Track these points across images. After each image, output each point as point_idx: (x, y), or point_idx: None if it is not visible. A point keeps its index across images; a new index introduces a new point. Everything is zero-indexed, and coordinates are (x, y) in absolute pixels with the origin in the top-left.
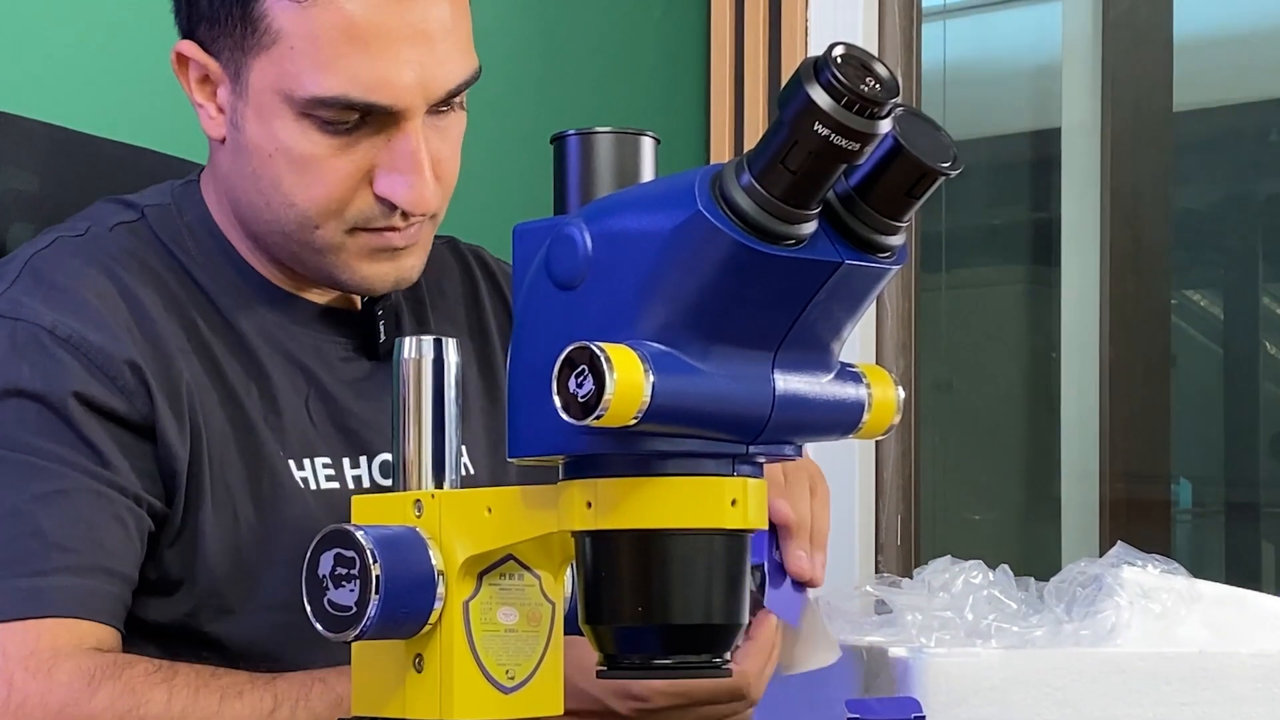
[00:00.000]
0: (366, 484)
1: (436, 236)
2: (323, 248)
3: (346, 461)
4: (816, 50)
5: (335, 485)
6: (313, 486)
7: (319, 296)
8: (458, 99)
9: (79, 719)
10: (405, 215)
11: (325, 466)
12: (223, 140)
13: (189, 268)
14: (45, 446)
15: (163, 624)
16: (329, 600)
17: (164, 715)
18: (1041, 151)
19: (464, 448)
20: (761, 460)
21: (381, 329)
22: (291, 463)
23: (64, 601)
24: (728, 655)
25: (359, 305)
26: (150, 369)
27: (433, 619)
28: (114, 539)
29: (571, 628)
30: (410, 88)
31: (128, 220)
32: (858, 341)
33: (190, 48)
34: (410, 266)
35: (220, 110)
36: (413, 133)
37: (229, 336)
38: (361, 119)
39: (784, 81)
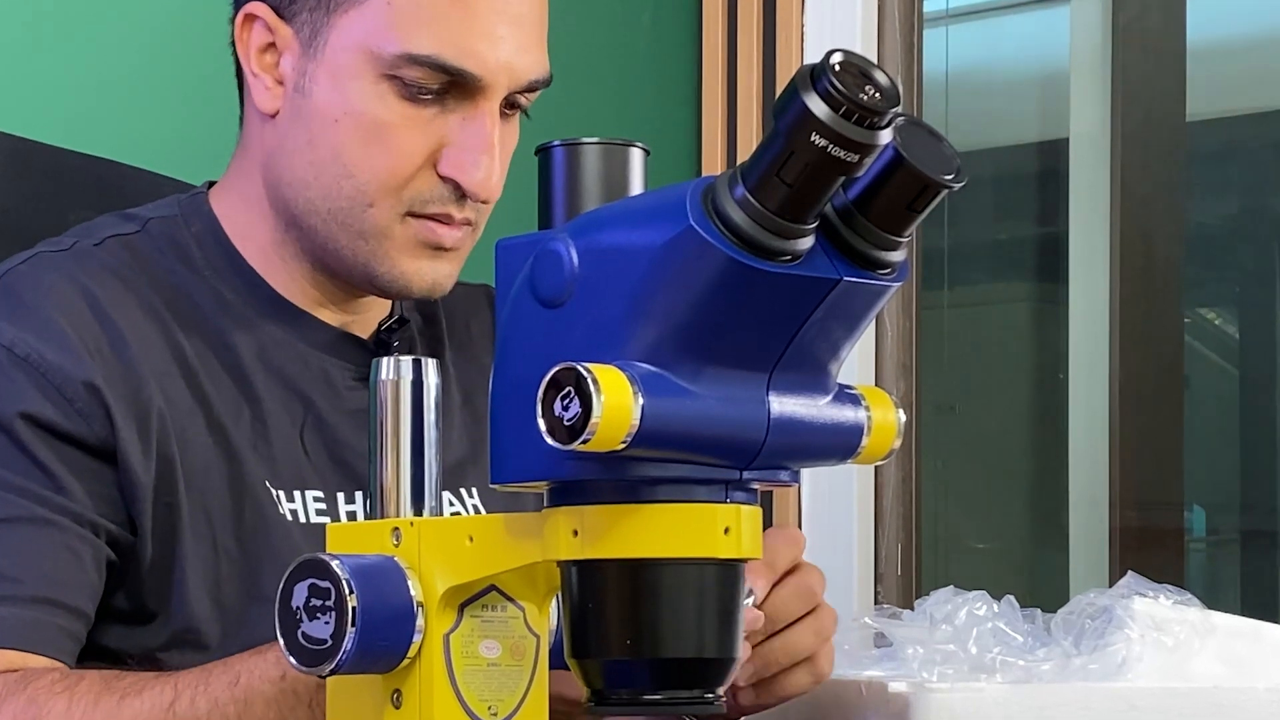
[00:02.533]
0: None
1: (475, 283)
2: (369, 231)
3: (341, 496)
4: (813, 57)
5: (327, 520)
6: (302, 520)
7: (333, 317)
8: (527, 99)
9: None
10: (462, 202)
11: (317, 500)
12: (273, 115)
13: (187, 285)
14: None
15: (129, 654)
16: (303, 633)
17: None
18: (1048, 163)
19: (474, 489)
20: (756, 487)
21: None
22: (281, 494)
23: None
24: (720, 691)
25: (374, 330)
26: (113, 392)
27: (411, 652)
28: (62, 569)
29: (557, 662)
30: (501, 65)
31: (125, 233)
32: (856, 362)
33: (262, 9)
34: (448, 274)
35: (279, 82)
36: (489, 114)
37: (222, 358)
38: (443, 90)
39: (779, 90)
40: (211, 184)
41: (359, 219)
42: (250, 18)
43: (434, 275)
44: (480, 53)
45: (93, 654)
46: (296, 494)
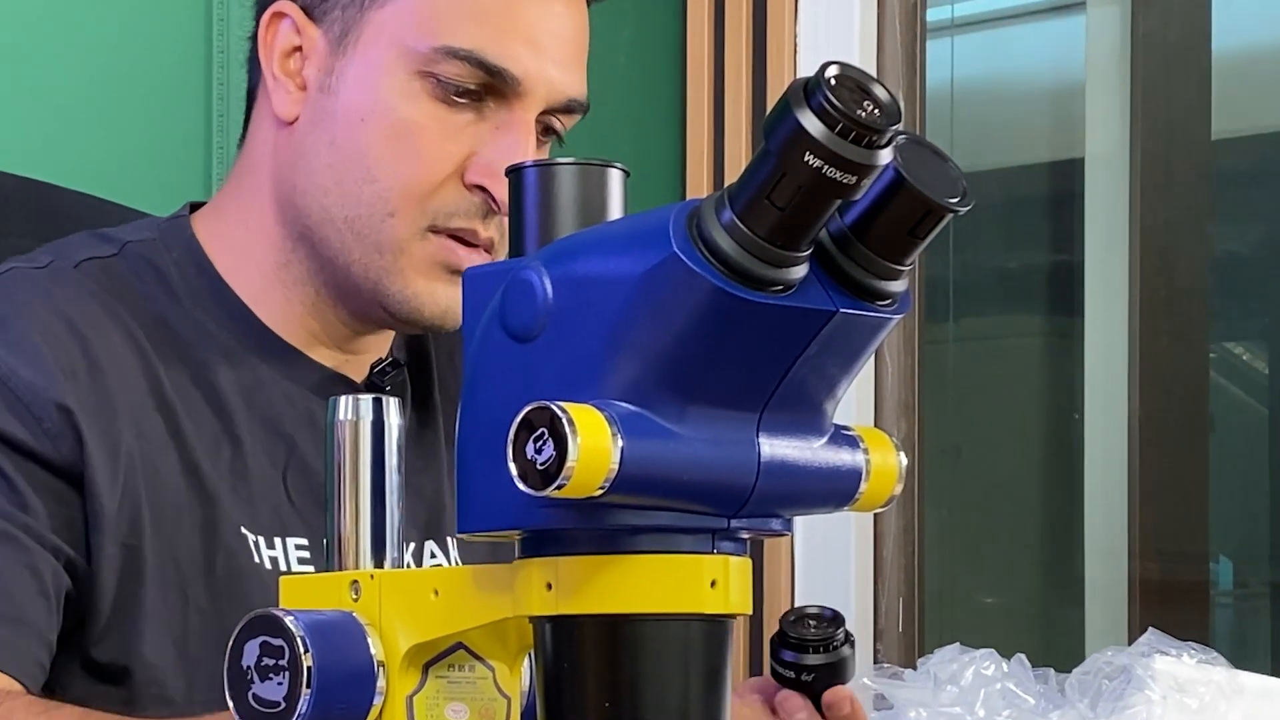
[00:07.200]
0: None
1: None
2: (386, 244)
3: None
4: (807, 70)
5: (310, 569)
6: (282, 568)
7: (327, 357)
8: (564, 123)
9: None
10: (488, 218)
11: (300, 548)
12: (292, 122)
13: (167, 313)
14: None
15: (96, 708)
16: (254, 695)
17: None
18: (1062, 185)
19: (450, 541)
20: (745, 536)
21: None
22: (260, 540)
23: None
24: None
25: (366, 373)
26: (85, 417)
27: (372, 716)
28: (24, 590)
29: None
30: (541, 73)
31: (101, 255)
32: (854, 401)
33: (291, 8)
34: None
35: (301, 88)
36: (524, 124)
37: (202, 392)
38: (479, 93)
39: (770, 105)
40: (194, 208)
41: (377, 229)
42: (278, 16)
43: (447, 300)
44: (521, 56)
45: None
46: (278, 540)
